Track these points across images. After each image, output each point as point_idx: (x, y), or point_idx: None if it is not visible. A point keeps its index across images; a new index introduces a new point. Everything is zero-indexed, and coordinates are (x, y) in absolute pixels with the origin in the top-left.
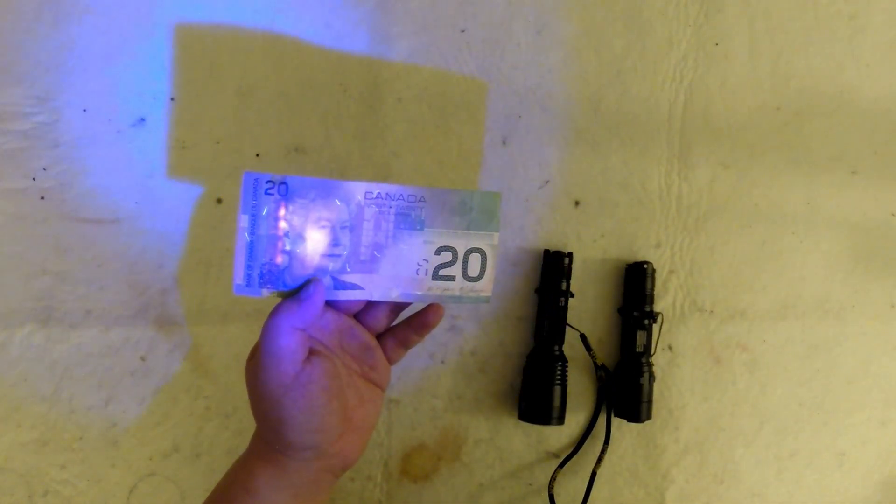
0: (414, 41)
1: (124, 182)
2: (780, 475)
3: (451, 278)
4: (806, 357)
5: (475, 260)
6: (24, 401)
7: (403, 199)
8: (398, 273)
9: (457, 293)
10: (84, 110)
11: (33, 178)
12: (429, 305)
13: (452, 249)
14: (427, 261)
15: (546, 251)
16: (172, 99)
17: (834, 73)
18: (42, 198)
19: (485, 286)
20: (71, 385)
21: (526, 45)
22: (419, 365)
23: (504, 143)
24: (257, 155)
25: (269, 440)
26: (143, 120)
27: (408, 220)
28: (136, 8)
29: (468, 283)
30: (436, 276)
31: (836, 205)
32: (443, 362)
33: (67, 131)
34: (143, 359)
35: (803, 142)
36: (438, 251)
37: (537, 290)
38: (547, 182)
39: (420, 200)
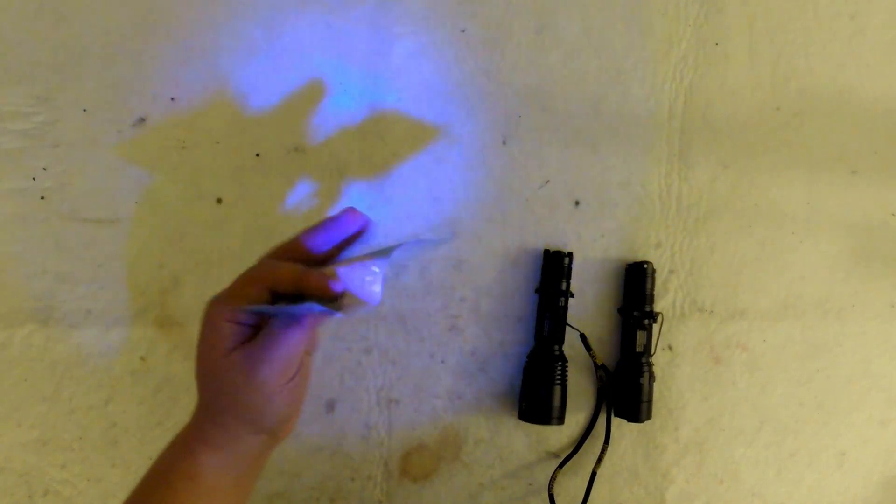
0: (414, 41)
1: (124, 182)
2: (780, 475)
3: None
4: (806, 357)
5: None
6: (24, 401)
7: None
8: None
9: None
10: (84, 110)
11: (33, 178)
12: (345, 210)
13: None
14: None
15: (546, 251)
16: (172, 99)
17: (834, 73)
18: (42, 198)
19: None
20: (71, 385)
21: (526, 45)
22: (419, 365)
23: (504, 143)
24: (257, 155)
25: (237, 429)
26: (143, 120)
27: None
28: (136, 8)
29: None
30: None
31: (836, 205)
32: (443, 362)
33: (67, 131)
34: (143, 359)
35: (803, 142)
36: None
37: (537, 290)
38: (547, 182)
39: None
